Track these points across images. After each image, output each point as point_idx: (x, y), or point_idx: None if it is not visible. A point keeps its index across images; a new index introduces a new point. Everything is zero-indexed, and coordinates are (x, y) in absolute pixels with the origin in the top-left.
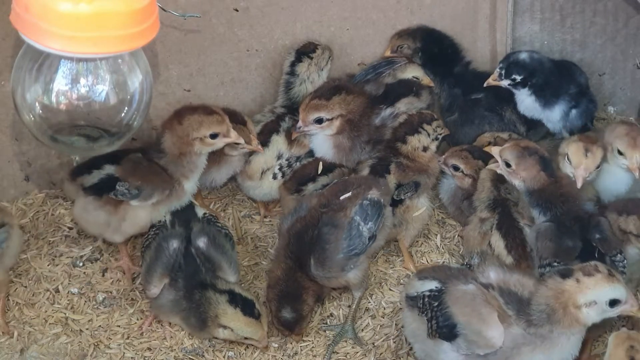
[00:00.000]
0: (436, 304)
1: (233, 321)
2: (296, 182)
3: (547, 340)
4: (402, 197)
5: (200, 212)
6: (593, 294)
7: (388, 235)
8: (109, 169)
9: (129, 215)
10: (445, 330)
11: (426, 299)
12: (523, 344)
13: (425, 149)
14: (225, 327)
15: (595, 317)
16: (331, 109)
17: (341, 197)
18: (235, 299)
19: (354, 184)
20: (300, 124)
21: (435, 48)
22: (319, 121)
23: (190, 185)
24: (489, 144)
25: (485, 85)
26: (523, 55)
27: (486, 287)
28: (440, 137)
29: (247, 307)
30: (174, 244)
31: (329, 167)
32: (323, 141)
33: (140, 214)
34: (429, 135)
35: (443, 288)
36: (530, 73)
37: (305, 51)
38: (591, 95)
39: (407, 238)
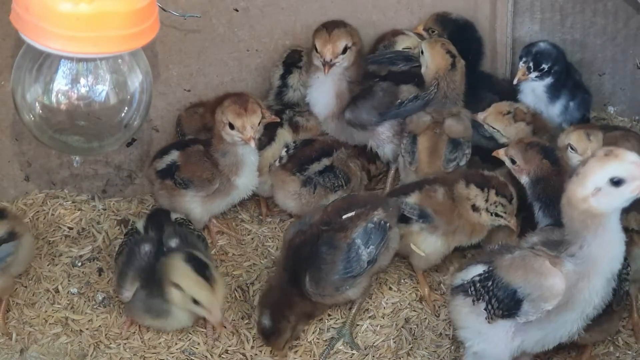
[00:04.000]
0: (490, 283)
1: (182, 278)
2: (298, 163)
3: (588, 262)
4: (404, 212)
5: (173, 216)
6: (590, 181)
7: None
8: (173, 155)
9: (179, 203)
10: (507, 301)
11: (477, 285)
12: (578, 279)
13: (475, 208)
14: (176, 285)
15: (611, 203)
16: (351, 35)
17: (343, 217)
18: (191, 258)
19: (359, 202)
20: (329, 57)
21: (459, 46)
22: (345, 50)
23: (242, 182)
24: (508, 113)
25: (515, 82)
26: (543, 45)
27: (531, 247)
28: (495, 215)
29: (199, 266)
30: (146, 247)
31: (327, 151)
32: (326, 90)
33: (191, 205)
34: (486, 201)
35: (491, 267)
36: (554, 60)
37: (292, 62)
38: (585, 88)
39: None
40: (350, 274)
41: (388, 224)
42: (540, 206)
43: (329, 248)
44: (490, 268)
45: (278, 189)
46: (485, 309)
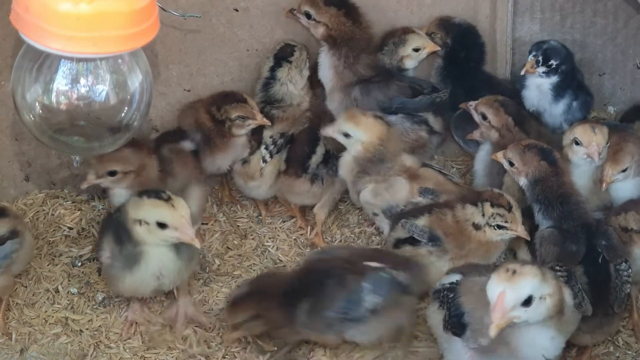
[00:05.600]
0: (451, 295)
1: (140, 209)
2: (297, 164)
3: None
4: (410, 234)
5: None
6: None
7: None
8: None
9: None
10: (454, 320)
11: (445, 291)
12: (511, 335)
13: (476, 227)
14: (138, 221)
15: None
16: (320, 12)
17: (365, 263)
18: (144, 192)
19: (387, 259)
20: (295, 7)
21: (462, 52)
22: (307, 15)
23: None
24: None
25: (522, 73)
26: (554, 43)
27: None
28: (497, 227)
29: (153, 193)
30: (119, 213)
31: (314, 137)
32: (322, 62)
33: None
34: (482, 215)
35: (461, 280)
36: (563, 59)
37: (284, 56)
38: (588, 89)
39: None
40: (346, 314)
41: (404, 286)
42: (540, 208)
43: (335, 282)
44: (461, 281)
45: (288, 193)
46: (444, 315)
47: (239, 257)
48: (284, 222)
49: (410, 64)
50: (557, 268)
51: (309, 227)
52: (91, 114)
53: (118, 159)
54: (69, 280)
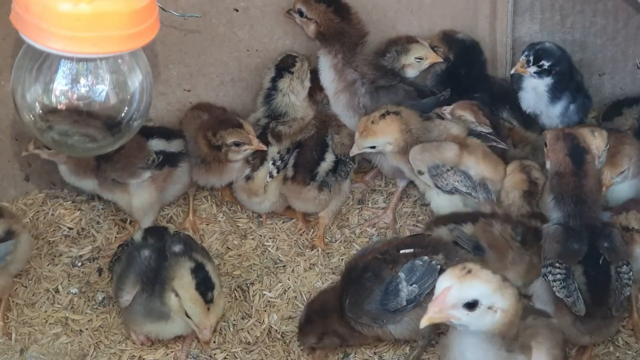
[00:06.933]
0: None
1: (183, 289)
2: (306, 171)
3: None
4: (455, 239)
5: (171, 231)
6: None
7: None
8: None
9: None
10: None
11: None
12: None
13: None
14: (176, 293)
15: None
16: (311, 9)
17: (401, 251)
18: (199, 271)
19: (423, 243)
20: (292, 7)
21: (462, 70)
22: (300, 13)
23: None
24: None
25: (512, 72)
26: (548, 44)
27: None
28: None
29: (203, 284)
30: (145, 252)
31: (323, 142)
32: (323, 62)
33: None
34: None
35: None
36: (556, 61)
37: (285, 66)
38: (586, 91)
39: None
40: (386, 307)
41: (440, 268)
42: (553, 197)
43: (372, 275)
44: None
45: (295, 199)
46: None
47: (239, 257)
48: (284, 222)
49: (411, 72)
50: (557, 265)
51: (312, 230)
52: (91, 114)
53: None
54: (69, 280)
